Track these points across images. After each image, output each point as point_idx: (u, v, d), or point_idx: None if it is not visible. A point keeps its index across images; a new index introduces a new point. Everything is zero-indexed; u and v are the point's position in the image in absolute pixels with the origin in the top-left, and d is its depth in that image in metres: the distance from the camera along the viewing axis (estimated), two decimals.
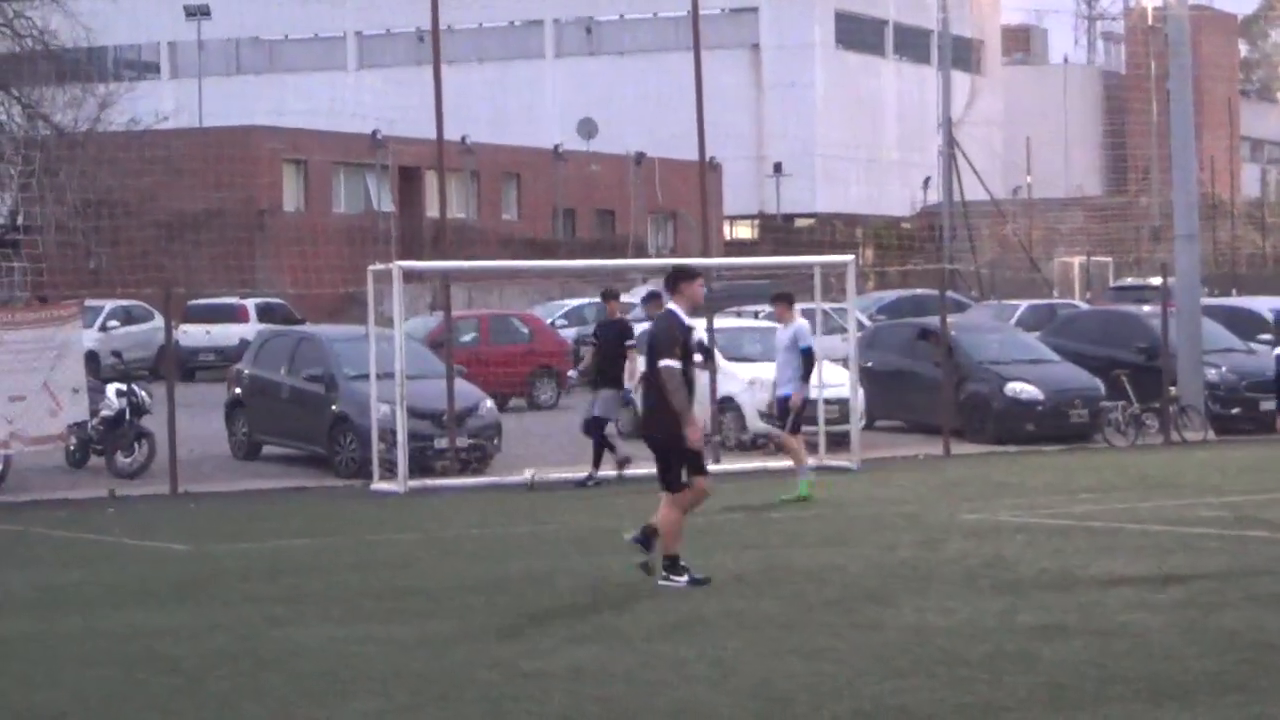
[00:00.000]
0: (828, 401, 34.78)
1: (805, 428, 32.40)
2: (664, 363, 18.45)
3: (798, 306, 29.24)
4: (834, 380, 35.56)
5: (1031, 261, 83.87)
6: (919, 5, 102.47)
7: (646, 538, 18.77)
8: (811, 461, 30.53)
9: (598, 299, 57.16)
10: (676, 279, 19.23)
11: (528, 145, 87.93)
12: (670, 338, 18.63)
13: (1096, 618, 16.28)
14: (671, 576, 18.56)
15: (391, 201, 79.07)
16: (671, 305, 19.05)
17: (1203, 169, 72.68)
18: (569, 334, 54.46)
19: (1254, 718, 12.08)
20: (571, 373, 31.43)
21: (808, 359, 28.39)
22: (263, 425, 36.12)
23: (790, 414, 28.44)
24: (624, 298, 43.42)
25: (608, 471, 31.09)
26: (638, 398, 30.97)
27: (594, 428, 31.29)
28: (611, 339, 31.47)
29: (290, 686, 14.13)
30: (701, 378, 31.00)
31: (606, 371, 31.28)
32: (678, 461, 18.69)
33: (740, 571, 20.12)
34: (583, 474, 31.28)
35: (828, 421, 34.38)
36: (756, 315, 45.87)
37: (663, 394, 18.50)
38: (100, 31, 67.85)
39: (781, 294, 29.76)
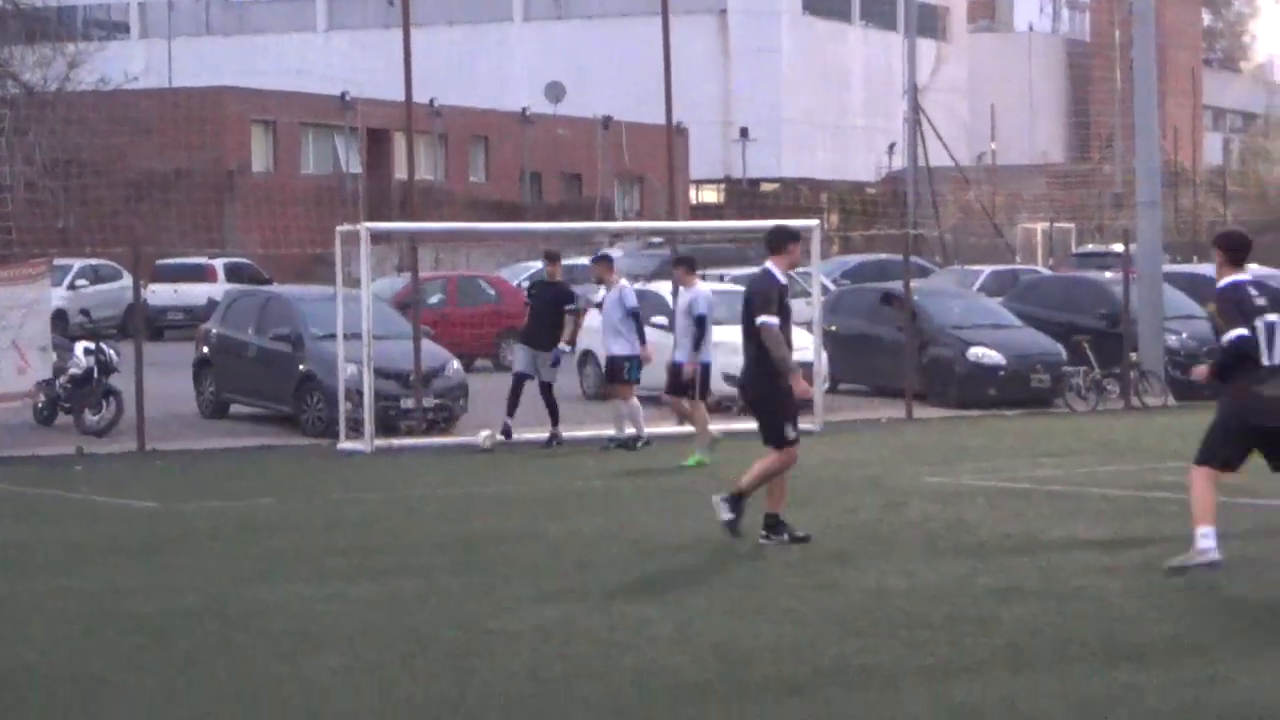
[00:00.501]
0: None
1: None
2: (763, 319, 18.44)
3: (706, 272, 29.51)
4: (798, 344, 35.61)
5: (995, 227, 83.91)
6: None
7: (737, 499, 18.80)
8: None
9: (567, 260, 57.38)
10: (782, 239, 19.23)
11: (496, 108, 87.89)
12: (768, 295, 18.60)
13: (1056, 581, 16.34)
14: (771, 535, 18.57)
15: (359, 163, 78.97)
16: (769, 264, 19.01)
17: (1165, 137, 72.88)
18: None
19: (1209, 678, 12.13)
20: (563, 345, 31.24)
21: (700, 326, 28.44)
22: (230, 384, 36.09)
23: (690, 383, 28.64)
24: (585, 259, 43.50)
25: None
26: (573, 359, 31.29)
27: (543, 394, 31.23)
28: (548, 300, 31.33)
29: (258, 644, 14.15)
30: (665, 339, 31.10)
31: (544, 332, 31.20)
32: (778, 417, 18.66)
33: (703, 533, 20.12)
34: (545, 435, 31.31)
35: None
36: (721, 279, 45.87)
37: (762, 350, 18.52)
38: None
39: (683, 258, 29.89)
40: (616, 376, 30.29)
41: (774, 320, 18.40)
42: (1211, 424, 16.23)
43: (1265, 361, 15.57)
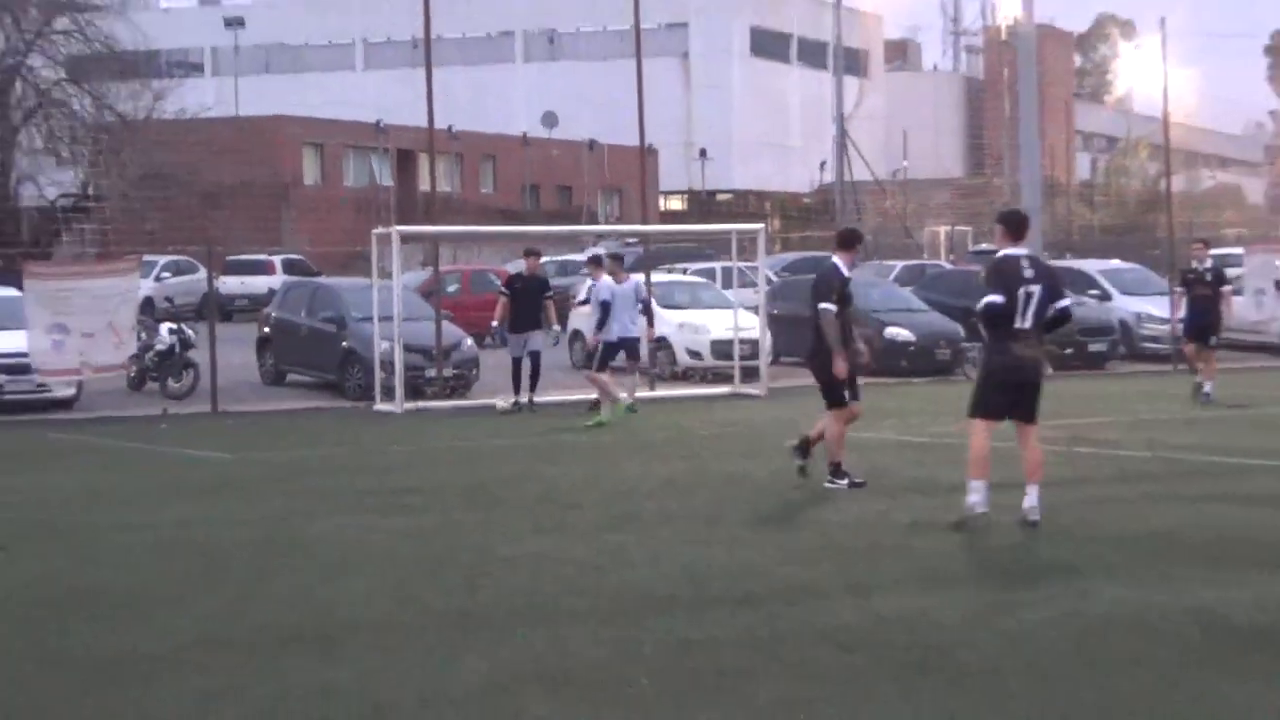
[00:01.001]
0: (742, 341, 34.87)
1: (723, 361, 32.40)
2: (822, 305, 18.31)
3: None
4: (746, 324, 35.60)
5: (906, 230, 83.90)
6: (817, 22, 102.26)
7: (804, 447, 18.91)
8: (726, 390, 30.58)
9: (558, 256, 57.28)
10: (852, 239, 19.08)
11: (502, 133, 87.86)
12: (829, 285, 18.41)
13: (955, 516, 16.32)
14: (835, 479, 18.35)
15: (391, 178, 78.96)
16: (836, 258, 18.78)
17: (1044, 156, 72.74)
18: None
19: (1082, 592, 12.12)
20: (494, 323, 30.96)
21: (604, 310, 28.38)
22: (286, 357, 36.09)
23: (593, 356, 28.73)
24: (572, 255, 43.25)
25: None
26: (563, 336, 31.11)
27: (532, 360, 31.03)
28: (533, 290, 30.93)
29: (306, 567, 14.11)
30: (641, 321, 30.90)
31: (529, 317, 30.87)
32: (836, 387, 18.47)
33: (671, 476, 20.10)
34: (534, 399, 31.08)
35: (741, 357, 34.46)
36: (685, 271, 45.84)
37: (819, 332, 18.40)
38: (155, 38, 67.47)
39: (593, 257, 29.79)
40: (633, 354, 30.06)
41: (832, 307, 18.25)
42: (977, 379, 16.14)
43: (1018, 324, 15.11)
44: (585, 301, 32.70)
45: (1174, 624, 11.19)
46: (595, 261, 31.78)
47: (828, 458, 18.59)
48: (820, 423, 18.76)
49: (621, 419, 27.99)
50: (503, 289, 31.81)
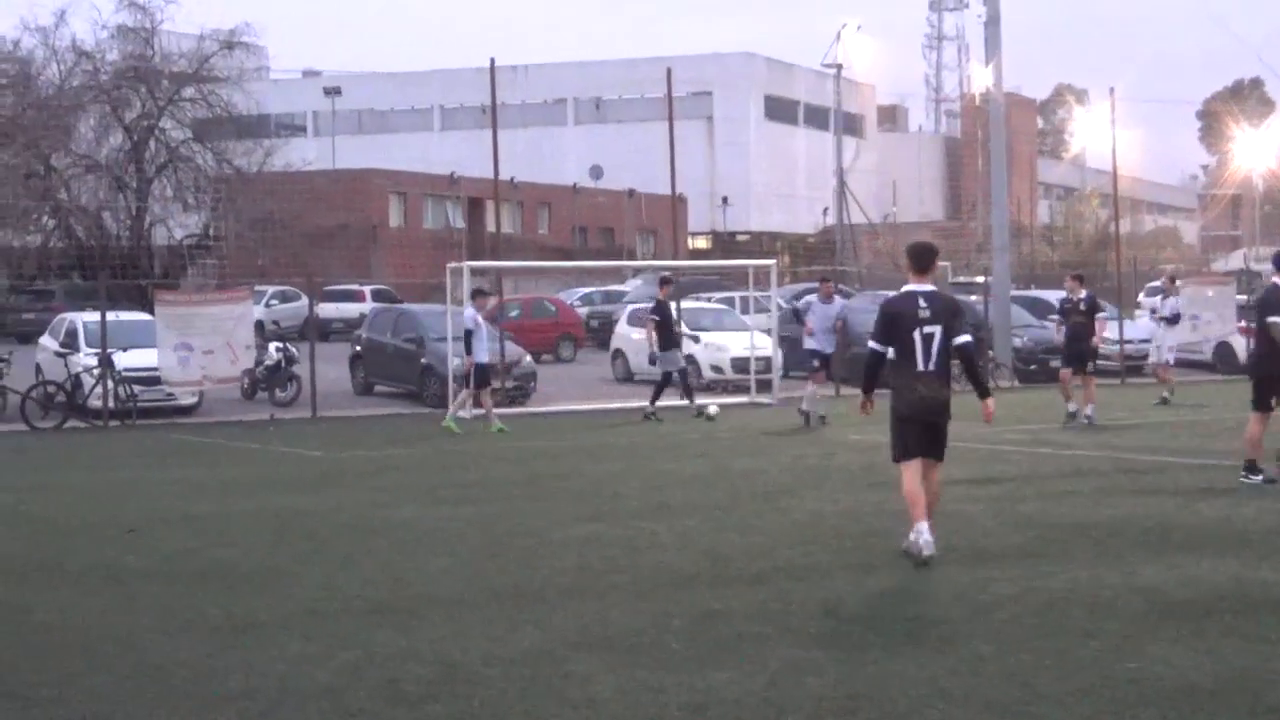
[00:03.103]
0: (757, 358, 34.84)
1: (741, 375, 32.28)
2: (1271, 319, 16.86)
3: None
4: (761, 344, 35.57)
5: (895, 265, 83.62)
6: (821, 91, 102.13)
7: (1251, 466, 17.32)
8: (743, 399, 30.51)
9: (603, 286, 57.23)
10: None
11: (555, 183, 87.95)
12: (1275, 303, 16.88)
13: (938, 506, 16.23)
14: (1249, 475, 17.28)
15: (462, 221, 79.09)
16: (1275, 279, 17.02)
17: (1011, 204, 72.51)
18: (583, 311, 54.44)
19: (1044, 574, 12.05)
20: (652, 350, 30.53)
21: (467, 338, 27.58)
22: (374, 371, 36.21)
23: (467, 377, 27.92)
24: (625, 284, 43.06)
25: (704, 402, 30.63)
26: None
27: (682, 375, 30.63)
28: (667, 315, 30.58)
29: (390, 548, 14.10)
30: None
31: (669, 337, 30.50)
32: (1266, 391, 17.16)
33: (695, 472, 20.07)
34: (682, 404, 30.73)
35: (757, 371, 34.42)
36: (709, 299, 45.82)
37: (1273, 343, 16.91)
38: (266, 104, 67.81)
39: (475, 290, 29.24)
40: (825, 364, 29.11)
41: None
42: (890, 424, 13.25)
43: (920, 367, 12.74)
44: (798, 316, 30.98)
45: (1123, 599, 11.12)
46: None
47: (1245, 455, 17.44)
48: (1250, 425, 17.45)
49: (492, 434, 27.24)
50: (653, 315, 30.99)
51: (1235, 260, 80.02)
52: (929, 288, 12.91)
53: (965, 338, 12.96)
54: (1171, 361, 33.96)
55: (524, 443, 25.61)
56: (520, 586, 12.03)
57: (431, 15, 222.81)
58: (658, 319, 30.46)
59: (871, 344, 13.13)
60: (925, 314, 12.74)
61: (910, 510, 12.88)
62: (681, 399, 30.64)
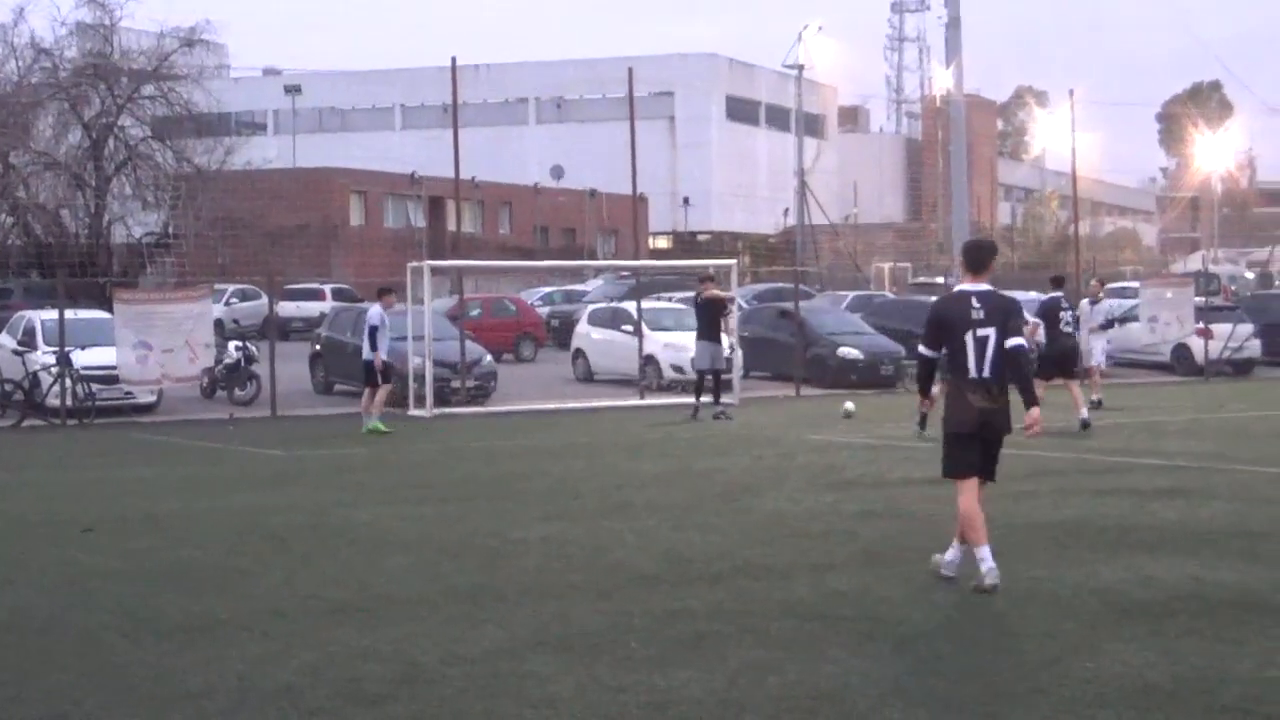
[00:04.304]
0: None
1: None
2: None
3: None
4: (725, 343, 35.59)
5: (856, 266, 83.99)
6: (782, 92, 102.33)
7: None
8: (705, 399, 30.47)
9: (564, 286, 57.18)
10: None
11: (516, 183, 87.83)
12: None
13: (897, 506, 16.33)
14: None
15: (423, 220, 78.89)
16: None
17: (972, 205, 72.90)
18: (543, 310, 54.41)
19: (1003, 574, 12.07)
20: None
21: (372, 335, 27.46)
22: (334, 370, 36.07)
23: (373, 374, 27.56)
24: (586, 284, 42.96)
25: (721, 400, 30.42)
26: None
27: (715, 373, 30.32)
28: (713, 309, 30.25)
29: (351, 547, 14.08)
30: (629, 341, 30.74)
31: (712, 333, 30.20)
32: None
33: (657, 472, 20.09)
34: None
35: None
36: (670, 299, 45.84)
37: None
38: (226, 102, 67.51)
39: (381, 288, 29.10)
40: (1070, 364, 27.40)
41: None
42: (943, 438, 12.10)
43: (971, 374, 11.57)
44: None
45: (1081, 600, 11.18)
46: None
47: None
48: None
49: (381, 433, 26.96)
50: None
51: (1194, 262, 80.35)
52: (983, 287, 11.78)
53: (1018, 340, 11.74)
54: (1103, 365, 33.70)
55: (485, 442, 25.59)
56: (481, 586, 12.03)
57: (393, 14, 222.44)
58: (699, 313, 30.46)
59: (920, 349, 12.21)
60: (978, 315, 11.59)
61: (967, 534, 11.87)
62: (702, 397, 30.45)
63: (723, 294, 31.39)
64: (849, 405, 30.06)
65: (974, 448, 11.82)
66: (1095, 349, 31.96)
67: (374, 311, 28.00)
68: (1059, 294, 27.51)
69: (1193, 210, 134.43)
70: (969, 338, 11.55)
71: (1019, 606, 10.98)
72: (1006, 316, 11.63)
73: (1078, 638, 9.98)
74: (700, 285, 31.24)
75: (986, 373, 11.56)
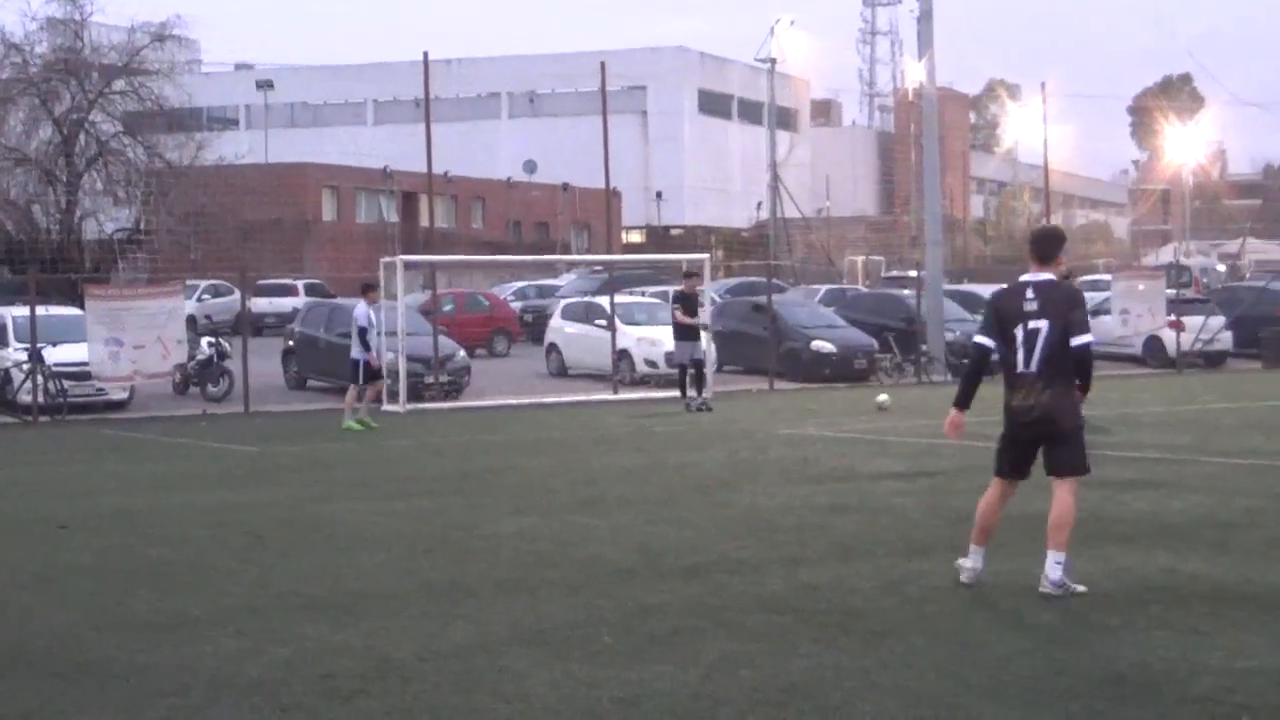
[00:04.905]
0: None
1: (676, 370, 32.29)
2: None
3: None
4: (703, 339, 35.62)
5: (829, 259, 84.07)
6: (755, 85, 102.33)
7: None
8: (677, 394, 30.48)
9: (537, 280, 57.12)
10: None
11: (489, 178, 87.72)
12: None
13: (870, 500, 16.35)
14: None
15: (396, 215, 78.81)
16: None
17: (944, 198, 72.98)
18: (517, 305, 54.39)
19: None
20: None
21: (362, 335, 27.31)
22: (307, 366, 36.04)
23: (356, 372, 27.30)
24: (561, 279, 42.92)
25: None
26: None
27: (696, 365, 30.69)
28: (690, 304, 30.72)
29: (324, 543, 14.07)
30: (603, 336, 30.73)
31: (688, 328, 30.61)
32: None
33: (630, 467, 20.10)
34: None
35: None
36: (643, 293, 45.86)
37: None
38: (198, 97, 67.37)
39: (365, 284, 28.97)
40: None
41: None
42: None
43: (1018, 369, 10.96)
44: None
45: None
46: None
47: None
48: None
49: (356, 432, 26.81)
50: (676, 305, 31.19)
51: (1166, 255, 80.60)
52: (1044, 277, 10.93)
53: (1084, 337, 10.91)
54: None
55: (458, 438, 25.57)
56: (454, 581, 12.03)
57: (365, 9, 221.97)
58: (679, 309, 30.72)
59: (976, 337, 11.40)
60: (1031, 306, 10.81)
61: (974, 529, 11.58)
62: (689, 390, 30.59)
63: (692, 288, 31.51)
64: (883, 397, 30.11)
65: (1010, 449, 11.35)
66: None
67: (360, 311, 27.82)
68: None
69: (1164, 203, 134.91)
70: (1019, 330, 10.87)
71: (991, 599, 11.01)
72: (1069, 309, 10.86)
73: (1050, 630, 10.02)
74: (686, 280, 31.48)
75: (1033, 367, 10.85)
